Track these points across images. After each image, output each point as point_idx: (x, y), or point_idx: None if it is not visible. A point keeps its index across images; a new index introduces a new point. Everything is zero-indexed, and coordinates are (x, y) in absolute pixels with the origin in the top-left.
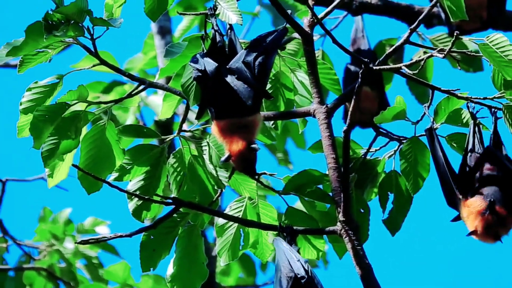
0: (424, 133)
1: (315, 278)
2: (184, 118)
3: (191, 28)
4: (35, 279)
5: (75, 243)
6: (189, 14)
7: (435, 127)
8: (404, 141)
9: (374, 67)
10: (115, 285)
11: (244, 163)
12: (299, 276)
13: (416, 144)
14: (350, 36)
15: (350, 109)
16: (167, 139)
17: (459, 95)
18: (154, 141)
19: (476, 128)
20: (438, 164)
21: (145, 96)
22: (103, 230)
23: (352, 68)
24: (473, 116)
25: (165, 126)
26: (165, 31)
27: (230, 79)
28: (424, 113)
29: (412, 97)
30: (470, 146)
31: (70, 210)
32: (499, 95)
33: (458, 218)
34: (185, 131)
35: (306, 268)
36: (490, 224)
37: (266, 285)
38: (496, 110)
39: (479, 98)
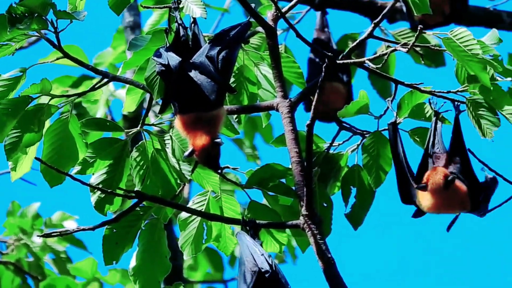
0: (387, 128)
1: (279, 273)
2: (147, 112)
3: (160, 23)
4: (3, 273)
5: (38, 236)
6: (153, 8)
7: (398, 122)
8: (367, 135)
9: (338, 61)
10: (83, 281)
11: (208, 158)
12: (263, 270)
13: (378, 138)
14: (313, 30)
15: (314, 103)
16: (131, 133)
17: (422, 89)
18: (122, 135)
19: (438, 124)
20: (398, 158)
21: (113, 89)
22: (71, 225)
23: (316, 61)
24: (436, 112)
25: (133, 120)
26: (134, 26)
27: (194, 73)
28: (388, 108)
29: (374, 91)
30: (430, 143)
31: (39, 205)
32: (462, 89)
33: (418, 214)
34: (148, 124)
35: (270, 262)
36: (441, 184)
37: (234, 280)
38: (459, 103)
39: (442, 92)
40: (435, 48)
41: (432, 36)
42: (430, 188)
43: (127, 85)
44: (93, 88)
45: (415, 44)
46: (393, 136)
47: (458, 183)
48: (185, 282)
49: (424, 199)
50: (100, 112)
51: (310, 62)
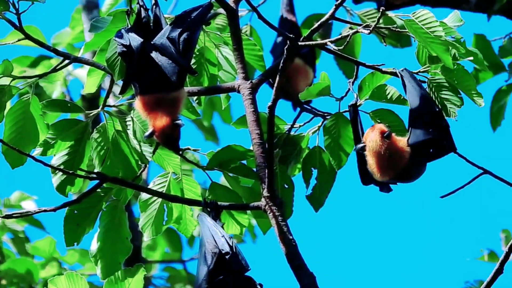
0: (348, 109)
1: (240, 254)
2: (109, 93)
3: (118, 3)
4: None
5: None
6: None
7: (358, 103)
8: (328, 117)
9: (300, 43)
10: (41, 260)
11: (168, 139)
12: (223, 252)
13: (340, 120)
14: (279, 11)
15: (275, 85)
16: (91, 114)
17: (383, 70)
18: (81, 116)
19: None
20: (357, 139)
21: (71, 69)
22: (29, 205)
23: (280, 42)
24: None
25: (91, 101)
26: (92, 6)
27: (155, 54)
28: (349, 89)
29: (337, 73)
30: None
31: None
32: (424, 69)
33: (383, 189)
34: (109, 106)
35: (231, 243)
36: (379, 140)
37: (192, 260)
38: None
39: None
40: (397, 30)
41: (396, 17)
42: (368, 147)
43: (87, 66)
44: (55, 70)
45: (378, 25)
46: (354, 118)
47: (395, 137)
48: (144, 262)
49: (371, 165)
50: (57, 91)
51: (276, 43)
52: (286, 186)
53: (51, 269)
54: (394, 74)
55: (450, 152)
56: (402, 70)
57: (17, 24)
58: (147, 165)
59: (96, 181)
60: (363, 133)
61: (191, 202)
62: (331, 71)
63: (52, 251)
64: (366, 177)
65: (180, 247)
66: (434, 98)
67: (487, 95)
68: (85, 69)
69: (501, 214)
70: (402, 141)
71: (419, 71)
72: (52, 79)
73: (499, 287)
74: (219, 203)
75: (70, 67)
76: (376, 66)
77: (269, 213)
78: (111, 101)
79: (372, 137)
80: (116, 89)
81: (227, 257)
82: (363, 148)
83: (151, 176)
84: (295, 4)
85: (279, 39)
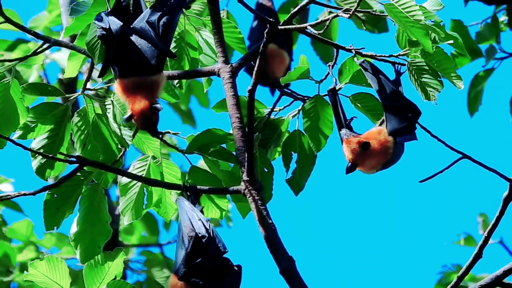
0: (327, 93)
1: (217, 237)
2: (89, 77)
3: None
4: None
5: None
6: None
7: (339, 87)
8: (308, 100)
9: (279, 27)
10: (19, 243)
11: (146, 122)
12: (200, 235)
13: (319, 103)
14: None
15: (255, 68)
16: (71, 98)
17: (363, 53)
18: (58, 99)
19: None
20: (339, 124)
21: (49, 53)
22: (6, 188)
23: (258, 27)
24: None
25: (69, 85)
26: None
27: (134, 38)
28: (328, 73)
29: (317, 57)
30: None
31: None
32: (404, 53)
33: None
34: (89, 89)
35: (208, 227)
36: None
37: (169, 243)
38: (400, 65)
39: (384, 56)
40: (377, 14)
41: (375, 2)
42: (353, 159)
43: (65, 50)
44: (35, 53)
45: (357, 10)
46: (334, 102)
47: (373, 137)
48: (121, 245)
49: (362, 169)
50: (34, 75)
51: (253, 28)
52: (266, 170)
53: (29, 253)
54: (374, 57)
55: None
56: (363, 62)
57: None
58: (127, 149)
59: (76, 165)
60: (345, 118)
61: (171, 186)
62: (309, 55)
63: (30, 234)
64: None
65: (157, 231)
66: (414, 82)
67: (465, 80)
68: (63, 52)
69: (479, 198)
70: (382, 133)
71: (399, 54)
72: (31, 63)
73: (478, 271)
74: (198, 187)
75: (46, 50)
76: (356, 50)
77: (249, 197)
78: (89, 85)
79: (356, 154)
80: (95, 72)
81: (203, 240)
82: (353, 168)
83: (128, 160)
84: None
85: (255, 24)
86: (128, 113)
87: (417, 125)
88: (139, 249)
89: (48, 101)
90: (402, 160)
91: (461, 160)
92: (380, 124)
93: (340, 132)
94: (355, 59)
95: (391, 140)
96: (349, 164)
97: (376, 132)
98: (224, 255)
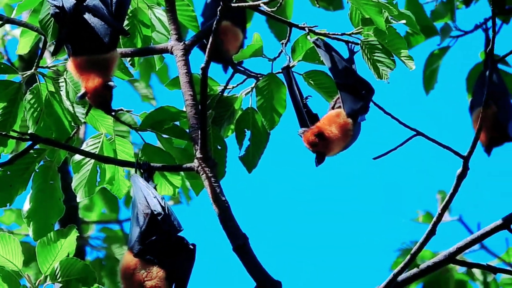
0: (281, 71)
1: (172, 215)
2: (42, 55)
3: None
4: None
5: None
6: None
7: (292, 65)
8: (261, 78)
9: (233, 4)
10: None
11: (100, 100)
12: (155, 212)
13: (272, 81)
14: None
15: (208, 46)
16: (25, 75)
17: (316, 31)
18: (19, 77)
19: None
20: (295, 102)
21: (9, 29)
22: None
23: (212, 4)
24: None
25: (29, 61)
26: None
27: (88, 16)
28: (282, 50)
29: (271, 35)
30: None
31: None
32: (357, 31)
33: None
34: (42, 67)
35: (163, 204)
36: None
37: (129, 220)
38: (353, 44)
39: (337, 34)
40: None
41: None
42: (316, 150)
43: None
44: None
45: None
46: (288, 80)
47: (331, 121)
48: (81, 222)
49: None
50: None
51: (207, 4)
52: (219, 147)
53: None
54: (327, 36)
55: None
56: (317, 40)
57: None
58: (80, 126)
59: (29, 142)
60: (301, 96)
61: (124, 163)
62: (263, 34)
63: None
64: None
65: (116, 208)
66: (366, 60)
67: (420, 58)
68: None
69: (436, 175)
70: (341, 115)
71: (352, 33)
72: None
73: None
74: (152, 164)
75: (7, 27)
76: (309, 28)
77: (202, 174)
78: (49, 61)
79: (317, 145)
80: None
81: (159, 217)
82: (321, 160)
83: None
84: None
85: (209, 1)
86: (82, 91)
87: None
88: (98, 225)
89: (0, 79)
90: (358, 139)
91: (416, 137)
92: (335, 103)
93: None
94: (308, 37)
95: (350, 122)
96: (316, 156)
97: (335, 115)
98: (179, 233)
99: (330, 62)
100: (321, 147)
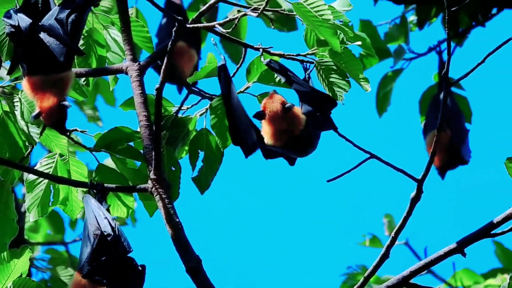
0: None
1: (122, 236)
2: None
3: None
4: None
5: None
6: None
7: (246, 86)
8: (215, 97)
9: (188, 25)
10: None
11: (54, 120)
12: (105, 233)
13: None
14: None
15: (163, 67)
16: None
17: (272, 52)
18: None
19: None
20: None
21: None
22: None
23: (166, 25)
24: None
25: None
26: None
27: (43, 35)
28: (236, 71)
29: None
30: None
31: None
32: (312, 52)
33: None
34: None
35: (113, 225)
36: (279, 110)
37: (75, 242)
38: (307, 64)
39: (292, 55)
40: (286, 12)
41: (284, 0)
42: (268, 115)
43: None
44: None
45: (266, 8)
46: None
47: (296, 109)
48: (26, 243)
49: (267, 131)
50: None
51: (161, 25)
52: (173, 168)
53: None
54: (282, 56)
55: (330, 129)
56: (270, 61)
57: None
58: (34, 146)
59: None
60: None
61: (78, 184)
62: (217, 54)
63: None
64: (267, 151)
65: (62, 229)
66: (321, 81)
67: (373, 80)
68: None
69: (388, 198)
70: (298, 109)
71: (307, 54)
72: None
73: (382, 272)
74: (105, 185)
75: None
76: (265, 49)
77: (156, 195)
78: (4, 81)
79: (272, 107)
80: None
81: (109, 238)
82: (262, 116)
83: (34, 157)
84: None
85: (164, 21)
86: (36, 111)
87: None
88: (44, 247)
89: None
90: (310, 159)
91: (369, 160)
92: None
93: (256, 112)
94: (262, 58)
95: (303, 118)
96: (259, 112)
97: (296, 108)
98: (128, 254)
99: (287, 82)
100: (270, 110)
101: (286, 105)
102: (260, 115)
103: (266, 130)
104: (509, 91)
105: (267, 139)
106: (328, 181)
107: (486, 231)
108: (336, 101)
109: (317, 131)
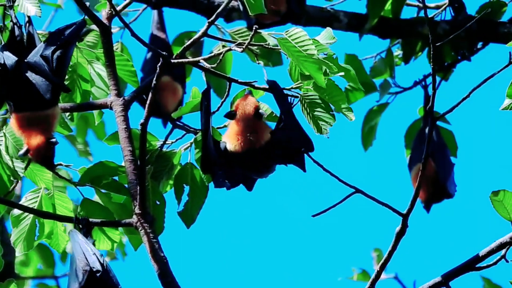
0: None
1: (110, 272)
2: None
3: None
4: None
5: None
6: None
7: (229, 121)
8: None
9: (173, 60)
10: None
11: (43, 157)
12: (94, 269)
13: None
14: (150, 28)
15: (148, 102)
16: None
17: (256, 86)
18: None
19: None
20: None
21: None
22: None
23: (151, 60)
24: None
25: None
26: None
27: (29, 73)
28: (221, 105)
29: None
30: None
31: None
32: (296, 86)
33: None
34: None
35: (102, 261)
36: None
37: (65, 276)
38: (292, 97)
39: None
40: (270, 47)
41: (269, 36)
42: (238, 115)
43: None
44: None
45: (250, 43)
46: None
47: (265, 121)
48: (17, 277)
49: (232, 132)
50: None
51: (146, 60)
52: (158, 203)
53: None
54: (267, 90)
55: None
56: (272, 82)
57: None
58: (19, 181)
59: None
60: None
61: (63, 218)
62: (201, 88)
63: None
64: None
65: (53, 263)
66: (306, 115)
67: (359, 114)
68: None
69: (374, 233)
70: (268, 128)
71: (292, 87)
72: None
73: None
74: (90, 219)
75: None
76: (249, 83)
77: (141, 229)
78: None
79: (245, 108)
80: None
81: (98, 274)
82: (233, 116)
83: (25, 190)
84: (166, 22)
85: (149, 56)
86: (24, 148)
87: (309, 158)
88: (35, 281)
89: None
90: (295, 194)
91: (354, 195)
92: None
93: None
94: (265, 77)
95: (268, 135)
96: (231, 112)
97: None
98: None
99: (281, 106)
100: (241, 110)
101: (260, 111)
102: (231, 115)
103: (231, 131)
104: (494, 125)
105: (229, 140)
106: (313, 216)
107: (472, 264)
108: (313, 148)
109: (286, 163)
